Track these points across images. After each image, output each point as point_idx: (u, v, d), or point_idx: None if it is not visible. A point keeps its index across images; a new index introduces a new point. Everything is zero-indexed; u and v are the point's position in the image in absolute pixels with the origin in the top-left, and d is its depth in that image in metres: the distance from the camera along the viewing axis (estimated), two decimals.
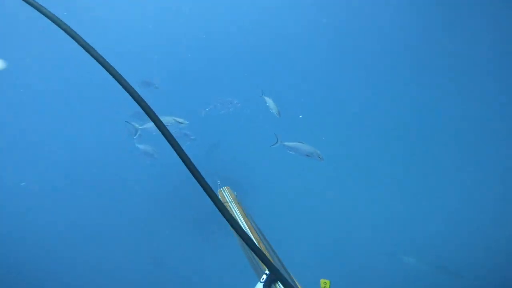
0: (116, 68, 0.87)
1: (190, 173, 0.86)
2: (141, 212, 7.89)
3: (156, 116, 0.83)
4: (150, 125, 3.69)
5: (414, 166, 8.56)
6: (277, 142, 3.43)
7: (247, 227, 1.54)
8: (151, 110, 0.83)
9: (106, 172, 8.37)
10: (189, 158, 0.84)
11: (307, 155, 3.15)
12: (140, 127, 3.85)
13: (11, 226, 7.49)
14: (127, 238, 7.50)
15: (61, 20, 0.79)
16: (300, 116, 9.28)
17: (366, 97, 9.82)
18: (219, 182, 1.89)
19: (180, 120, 3.49)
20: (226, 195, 1.79)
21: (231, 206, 1.69)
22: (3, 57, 8.54)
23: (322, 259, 6.73)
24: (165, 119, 3.49)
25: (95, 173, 8.40)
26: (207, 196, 0.85)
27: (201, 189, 0.86)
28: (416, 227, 7.25)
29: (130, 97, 0.90)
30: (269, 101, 4.85)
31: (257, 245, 1.31)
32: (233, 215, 1.52)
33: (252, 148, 8.71)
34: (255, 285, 1.23)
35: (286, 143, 3.34)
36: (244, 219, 1.61)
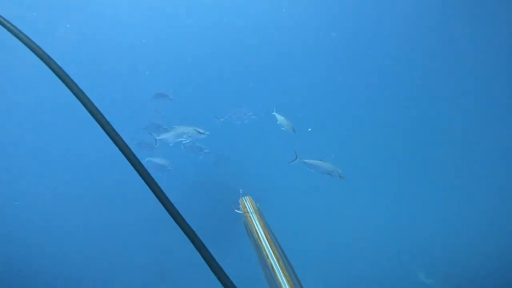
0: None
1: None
2: (147, 222, 7.67)
3: (123, 142, 0.73)
4: (168, 135, 3.70)
5: (429, 176, 8.62)
6: (296, 159, 3.38)
7: (266, 240, 1.47)
8: (114, 132, 0.72)
9: (111, 180, 8.23)
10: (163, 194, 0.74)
11: (328, 173, 3.11)
12: (157, 137, 3.86)
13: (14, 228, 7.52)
14: (133, 250, 7.45)
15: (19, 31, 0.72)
16: (309, 129, 9.32)
17: (375, 109, 9.90)
18: (241, 191, 1.85)
19: (201, 130, 3.49)
20: (247, 205, 1.73)
21: (252, 217, 1.64)
22: None
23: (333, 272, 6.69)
24: (186, 129, 3.51)
25: (100, 180, 8.38)
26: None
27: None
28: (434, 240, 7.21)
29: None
30: (280, 118, 4.79)
31: (278, 264, 1.34)
32: (253, 227, 1.57)
33: (261, 160, 8.77)
34: None
35: (306, 160, 3.31)
36: (264, 231, 1.54)
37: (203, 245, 0.74)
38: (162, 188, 0.78)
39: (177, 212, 0.74)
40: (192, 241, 0.74)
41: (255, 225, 1.60)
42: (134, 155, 0.74)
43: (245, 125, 6.23)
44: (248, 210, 1.68)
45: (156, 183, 0.74)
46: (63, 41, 9.52)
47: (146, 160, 5.20)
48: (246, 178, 8.30)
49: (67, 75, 0.72)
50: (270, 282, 1.34)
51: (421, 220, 7.61)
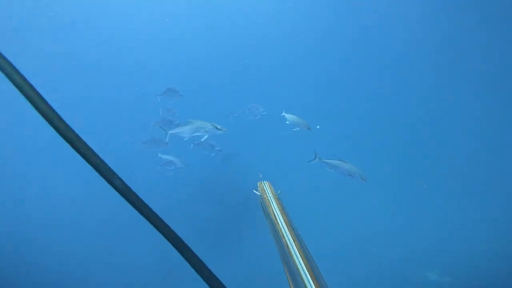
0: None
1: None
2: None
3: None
4: (183, 129, 3.60)
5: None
6: (315, 158, 3.26)
7: (285, 225, 1.47)
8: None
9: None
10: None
11: (349, 175, 3.01)
12: (172, 131, 3.76)
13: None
14: (139, 248, 7.36)
15: None
16: (318, 127, 9.31)
17: (385, 106, 9.91)
18: (261, 175, 1.95)
19: (219, 126, 3.41)
20: (266, 188, 1.79)
21: (270, 200, 1.64)
22: None
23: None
24: (203, 124, 3.42)
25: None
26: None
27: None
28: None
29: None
30: (292, 118, 4.64)
31: (294, 244, 1.33)
32: (270, 208, 1.58)
33: (270, 157, 8.75)
34: None
35: (326, 160, 3.20)
36: (282, 215, 1.55)
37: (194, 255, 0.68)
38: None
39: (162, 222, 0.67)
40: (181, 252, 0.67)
41: (272, 206, 1.61)
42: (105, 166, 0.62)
43: (254, 122, 6.22)
44: (267, 193, 1.72)
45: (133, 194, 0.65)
46: (72, 40, 9.67)
47: (158, 157, 5.13)
48: (253, 174, 8.21)
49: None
50: (285, 262, 1.32)
51: (435, 221, 7.63)
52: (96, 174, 0.63)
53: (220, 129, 3.44)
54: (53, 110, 0.59)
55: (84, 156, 0.60)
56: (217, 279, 0.67)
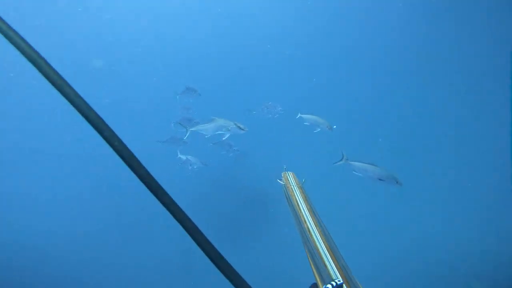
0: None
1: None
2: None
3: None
4: (206, 127, 3.52)
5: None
6: (342, 159, 3.02)
7: (307, 212, 1.53)
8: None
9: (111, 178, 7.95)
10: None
11: (380, 179, 2.78)
12: (193, 129, 3.68)
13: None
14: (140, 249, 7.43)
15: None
16: (334, 126, 9.17)
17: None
18: (285, 167, 1.98)
19: (241, 126, 3.30)
20: (290, 178, 1.86)
21: (294, 189, 1.72)
22: None
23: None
24: (226, 123, 3.33)
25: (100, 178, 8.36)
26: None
27: None
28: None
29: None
30: (310, 118, 4.32)
31: (319, 236, 1.34)
32: (293, 196, 1.65)
33: (281, 157, 8.70)
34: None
35: (354, 162, 2.94)
36: (305, 204, 1.61)
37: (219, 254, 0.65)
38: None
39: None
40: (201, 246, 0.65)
41: (295, 194, 1.68)
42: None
43: (271, 120, 6.14)
44: (290, 182, 1.80)
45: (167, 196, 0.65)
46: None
47: (178, 157, 5.10)
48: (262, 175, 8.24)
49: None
50: (307, 246, 1.35)
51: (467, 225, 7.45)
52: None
53: (243, 129, 3.33)
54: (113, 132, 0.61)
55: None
56: (240, 276, 0.66)
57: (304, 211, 1.53)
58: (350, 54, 10.69)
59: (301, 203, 1.61)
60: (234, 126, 3.28)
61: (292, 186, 1.76)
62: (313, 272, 1.21)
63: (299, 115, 4.51)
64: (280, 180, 1.90)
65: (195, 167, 5.22)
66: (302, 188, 1.78)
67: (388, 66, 10.13)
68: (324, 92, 10.32)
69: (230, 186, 8.39)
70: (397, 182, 2.74)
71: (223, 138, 3.48)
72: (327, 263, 1.18)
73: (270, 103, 5.90)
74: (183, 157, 5.06)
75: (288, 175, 1.93)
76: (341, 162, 3.06)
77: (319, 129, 4.30)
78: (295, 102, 8.55)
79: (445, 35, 9.85)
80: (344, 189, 7.84)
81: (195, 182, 8.02)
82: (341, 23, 10.91)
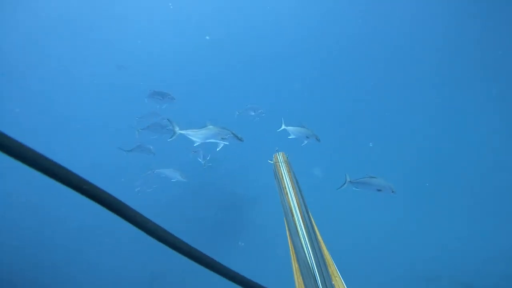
0: None
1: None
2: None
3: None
4: (196, 134, 3.19)
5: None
6: (345, 183, 2.92)
7: (290, 184, 1.70)
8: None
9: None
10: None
11: (378, 190, 2.90)
12: (180, 131, 3.26)
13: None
14: (125, 252, 7.13)
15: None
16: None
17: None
18: (277, 148, 2.18)
19: (239, 136, 3.10)
20: (279, 156, 2.06)
21: (280, 165, 1.92)
22: None
23: None
24: (221, 131, 3.09)
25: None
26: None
27: None
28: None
29: None
30: (295, 130, 3.93)
31: (296, 204, 1.46)
32: (280, 172, 1.78)
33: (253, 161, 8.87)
34: None
35: (355, 181, 2.89)
36: (289, 176, 1.80)
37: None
38: None
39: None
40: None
41: (282, 170, 1.86)
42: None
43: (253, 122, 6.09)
44: (279, 159, 2.00)
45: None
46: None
47: (155, 172, 4.67)
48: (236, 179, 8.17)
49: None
50: (286, 215, 1.48)
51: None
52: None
53: (240, 139, 3.11)
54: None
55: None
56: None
57: (288, 185, 1.69)
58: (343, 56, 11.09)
59: (286, 177, 1.77)
60: (231, 135, 3.07)
61: (280, 164, 1.92)
62: (288, 240, 1.36)
63: (282, 126, 4.05)
64: (271, 160, 2.06)
65: (178, 180, 4.88)
66: (288, 164, 1.94)
67: (397, 65, 10.59)
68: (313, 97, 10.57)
69: (205, 192, 8.13)
70: (392, 191, 2.89)
71: (217, 149, 3.19)
72: (297, 224, 1.36)
73: (253, 104, 5.85)
74: (162, 172, 4.66)
75: (278, 154, 2.10)
76: (345, 186, 2.97)
77: (306, 142, 3.98)
78: (278, 106, 8.64)
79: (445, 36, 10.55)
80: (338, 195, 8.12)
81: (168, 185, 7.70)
82: (334, 24, 11.28)
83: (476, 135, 9.87)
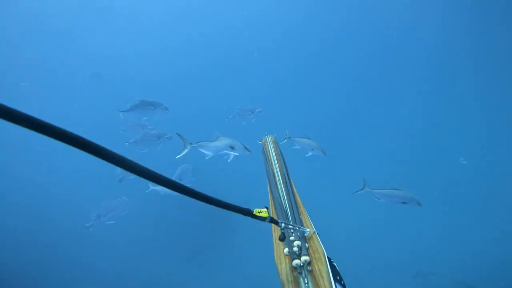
0: None
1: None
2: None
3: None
4: (210, 146, 2.92)
5: None
6: (363, 188, 2.83)
7: (275, 156, 1.81)
8: None
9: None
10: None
11: (403, 202, 2.72)
12: (193, 145, 2.97)
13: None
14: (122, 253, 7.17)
15: None
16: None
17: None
18: (266, 133, 2.22)
19: (248, 147, 2.89)
20: (268, 138, 2.16)
21: (268, 144, 2.02)
22: None
23: None
24: (233, 142, 2.86)
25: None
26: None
27: None
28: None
29: None
30: (302, 141, 3.80)
31: (281, 180, 1.55)
32: (268, 152, 1.90)
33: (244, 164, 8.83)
34: None
35: (376, 190, 2.79)
36: (275, 151, 1.90)
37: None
38: None
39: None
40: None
41: (269, 148, 1.95)
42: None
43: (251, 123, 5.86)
44: (267, 140, 2.10)
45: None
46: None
47: (151, 189, 4.29)
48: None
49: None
50: (271, 188, 1.51)
51: None
52: None
53: (248, 150, 2.93)
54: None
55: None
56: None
57: (273, 157, 1.81)
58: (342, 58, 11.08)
59: (272, 152, 1.89)
60: (242, 146, 2.85)
61: (268, 144, 2.01)
62: (269, 196, 1.45)
63: (286, 136, 3.83)
64: (260, 141, 2.17)
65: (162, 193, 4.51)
66: (276, 143, 2.03)
67: (398, 65, 10.70)
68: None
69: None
70: (418, 204, 2.73)
71: (228, 160, 2.95)
72: (279, 186, 1.47)
73: (247, 106, 5.62)
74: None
75: (267, 137, 2.19)
76: (362, 191, 2.87)
77: (311, 153, 3.87)
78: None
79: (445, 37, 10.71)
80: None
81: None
82: (330, 26, 11.31)
83: (476, 134, 10.14)
